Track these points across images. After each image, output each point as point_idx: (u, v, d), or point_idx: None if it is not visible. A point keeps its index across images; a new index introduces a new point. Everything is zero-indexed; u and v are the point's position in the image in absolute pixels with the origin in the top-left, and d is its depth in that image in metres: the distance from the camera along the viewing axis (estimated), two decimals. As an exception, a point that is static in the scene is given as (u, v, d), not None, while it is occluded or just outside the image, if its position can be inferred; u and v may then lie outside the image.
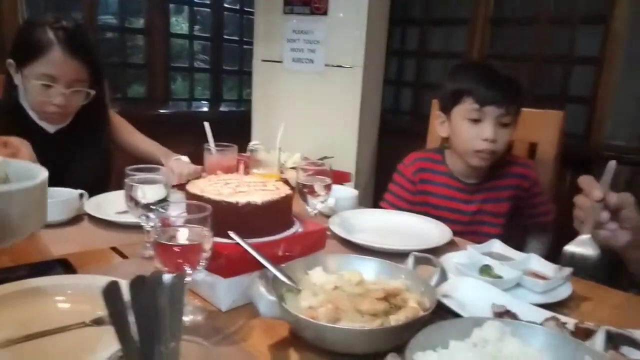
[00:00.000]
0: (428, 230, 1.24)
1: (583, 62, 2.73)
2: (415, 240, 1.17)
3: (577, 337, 0.72)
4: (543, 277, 0.97)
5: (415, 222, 1.30)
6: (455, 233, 1.21)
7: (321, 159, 1.87)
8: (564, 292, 0.93)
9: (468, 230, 1.33)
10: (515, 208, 1.39)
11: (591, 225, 0.89)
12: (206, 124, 1.25)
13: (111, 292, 0.43)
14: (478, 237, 1.24)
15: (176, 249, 0.75)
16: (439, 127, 1.42)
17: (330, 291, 0.78)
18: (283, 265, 0.83)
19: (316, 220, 1.14)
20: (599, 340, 0.65)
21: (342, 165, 1.92)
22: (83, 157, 1.47)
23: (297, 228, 0.96)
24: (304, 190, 1.19)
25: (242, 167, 1.03)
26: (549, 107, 1.59)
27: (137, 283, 0.44)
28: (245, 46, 3.54)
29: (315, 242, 0.96)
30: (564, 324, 0.76)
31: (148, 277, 0.44)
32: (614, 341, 0.67)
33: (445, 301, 0.84)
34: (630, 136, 2.66)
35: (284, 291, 0.80)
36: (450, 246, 1.15)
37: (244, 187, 0.93)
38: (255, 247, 0.83)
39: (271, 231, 0.91)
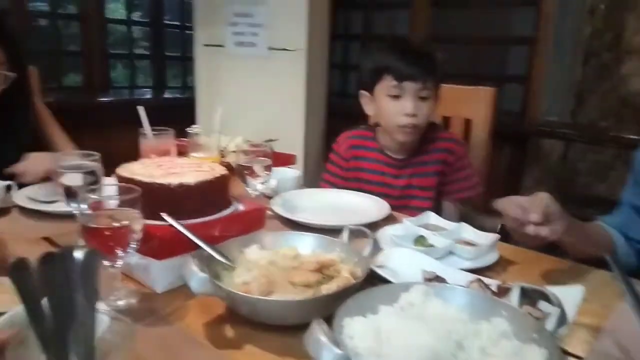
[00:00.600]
0: (367, 207, 1.27)
1: (519, 43, 2.85)
2: (355, 216, 1.19)
3: (499, 297, 0.76)
4: (473, 245, 1.02)
5: (355, 199, 1.33)
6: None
7: (265, 142, 1.87)
8: (491, 257, 0.98)
9: (399, 204, 1.36)
10: (442, 182, 1.44)
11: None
12: (140, 108, 1.22)
13: (19, 270, 0.42)
14: (409, 211, 1.28)
15: (105, 232, 0.74)
16: (365, 106, 1.45)
17: (265, 266, 0.79)
18: (219, 245, 0.83)
19: (257, 201, 1.14)
20: (514, 296, 0.69)
21: (289, 149, 1.92)
22: (6, 147, 1.41)
23: (234, 208, 0.96)
24: (243, 172, 1.19)
25: (174, 149, 1.01)
26: (489, 86, 1.64)
27: (46, 259, 0.43)
28: (187, 31, 3.45)
29: (253, 221, 0.97)
30: (487, 285, 0.81)
31: (57, 253, 0.43)
32: (529, 297, 0.72)
33: (380, 271, 0.87)
34: (563, 112, 2.81)
35: (219, 270, 0.80)
36: (388, 221, 1.19)
37: (177, 168, 0.92)
38: (190, 227, 0.82)
39: (207, 212, 0.91)
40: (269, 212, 1.23)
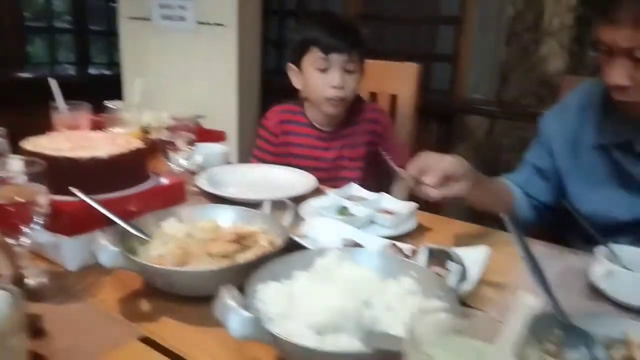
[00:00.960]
0: (294, 180, 1.28)
1: (446, 22, 2.93)
2: (282, 190, 1.19)
3: (412, 259, 0.80)
4: (393, 214, 1.06)
5: (283, 173, 1.34)
6: (318, 180, 1.26)
7: (193, 117, 1.83)
8: (410, 225, 1.03)
9: (330, 176, 1.39)
10: (372, 152, 1.48)
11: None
12: (52, 81, 1.16)
13: None
14: (339, 182, 1.30)
15: (7, 207, 0.70)
16: (293, 79, 1.46)
17: (181, 238, 0.78)
18: (135, 219, 0.81)
19: (182, 177, 1.12)
20: (421, 257, 0.73)
21: (222, 126, 1.88)
22: None
23: (153, 183, 0.94)
24: (165, 147, 1.16)
25: (87, 123, 0.97)
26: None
27: None
28: (112, 4, 3.27)
29: (173, 196, 0.95)
30: (401, 249, 0.84)
31: None
32: (436, 257, 0.76)
33: (301, 241, 0.88)
34: (488, 90, 2.94)
35: (136, 245, 0.78)
36: (315, 194, 1.20)
37: (89, 142, 0.88)
38: (103, 203, 0.80)
39: (122, 186, 0.88)
40: (193, 189, 1.22)
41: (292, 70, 1.45)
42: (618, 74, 0.89)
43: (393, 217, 1.03)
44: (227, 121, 2.55)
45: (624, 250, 0.84)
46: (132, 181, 0.90)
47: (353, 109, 1.47)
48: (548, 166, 1.15)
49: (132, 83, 2.68)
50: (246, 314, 0.54)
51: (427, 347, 0.35)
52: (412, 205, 1.07)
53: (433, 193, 0.91)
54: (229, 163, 1.45)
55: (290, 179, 1.30)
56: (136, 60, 2.70)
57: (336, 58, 1.34)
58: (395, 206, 1.09)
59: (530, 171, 1.18)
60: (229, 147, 1.61)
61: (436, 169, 0.90)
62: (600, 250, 0.82)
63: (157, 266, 0.69)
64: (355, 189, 1.19)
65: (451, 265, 0.76)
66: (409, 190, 0.95)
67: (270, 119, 1.54)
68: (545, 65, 2.88)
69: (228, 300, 0.55)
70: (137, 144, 0.92)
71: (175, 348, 0.63)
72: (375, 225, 1.04)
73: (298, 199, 1.10)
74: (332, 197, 1.12)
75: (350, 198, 1.14)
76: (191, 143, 1.18)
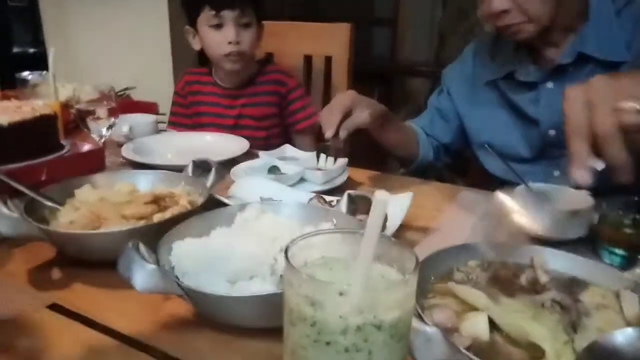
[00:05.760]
0: (226, 145, 1.25)
1: (384, -14, 2.92)
2: (214, 154, 1.16)
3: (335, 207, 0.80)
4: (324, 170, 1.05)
5: (215, 139, 1.31)
6: None
7: (122, 90, 1.75)
8: (340, 179, 1.03)
9: (234, 134, 1.37)
10: (276, 114, 1.50)
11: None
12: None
13: None
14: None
15: None
16: (191, 42, 1.46)
17: (93, 203, 0.74)
18: (45, 188, 0.76)
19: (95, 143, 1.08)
20: (342, 203, 0.73)
21: (156, 97, 1.82)
22: None
23: (67, 151, 0.89)
24: (84, 117, 1.10)
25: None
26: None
27: None
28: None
29: (89, 164, 0.91)
30: (328, 201, 0.84)
31: None
32: (360, 204, 0.76)
33: (229, 201, 0.86)
34: (427, 52, 2.97)
35: (47, 214, 0.74)
36: (248, 157, 1.18)
37: (-12, 110, 0.82)
38: (8, 172, 0.75)
39: (31, 155, 0.83)
40: (120, 159, 1.17)
41: (189, 33, 1.45)
42: (498, 0, 0.93)
43: (323, 173, 1.02)
44: (162, 91, 2.45)
45: (542, 187, 0.87)
46: (42, 150, 0.85)
47: (259, 70, 1.49)
48: (448, 108, 1.22)
49: (58, 55, 2.54)
50: (150, 266, 0.52)
51: (305, 269, 0.34)
52: (343, 161, 1.07)
53: (343, 134, 0.94)
54: (159, 133, 1.40)
55: (223, 144, 1.27)
56: (60, 33, 2.54)
57: (228, 14, 1.34)
58: (327, 163, 1.09)
59: (432, 113, 1.25)
60: (164, 118, 1.57)
61: (336, 107, 0.95)
62: (519, 188, 0.84)
63: (64, 231, 0.65)
64: (288, 150, 1.18)
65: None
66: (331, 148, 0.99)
67: (178, 83, 1.57)
68: (481, 28, 2.94)
69: (131, 254, 0.53)
70: (43, 110, 0.86)
71: (87, 312, 0.60)
72: (307, 183, 1.03)
73: (232, 163, 1.08)
74: (263, 158, 1.11)
75: (284, 159, 1.13)
76: (112, 112, 1.12)
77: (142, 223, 0.70)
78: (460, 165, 1.53)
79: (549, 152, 1.06)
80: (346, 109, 0.95)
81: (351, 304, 0.28)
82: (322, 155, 1.11)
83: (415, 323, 0.40)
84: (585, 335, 0.48)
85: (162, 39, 2.40)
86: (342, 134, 0.94)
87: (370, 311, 0.29)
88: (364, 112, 0.96)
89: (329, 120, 0.94)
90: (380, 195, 0.31)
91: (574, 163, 0.54)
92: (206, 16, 1.36)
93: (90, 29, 2.50)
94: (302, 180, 1.03)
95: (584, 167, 0.53)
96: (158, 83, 2.29)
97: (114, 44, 2.46)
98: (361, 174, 1.10)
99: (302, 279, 0.30)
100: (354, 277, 0.30)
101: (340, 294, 0.29)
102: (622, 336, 0.44)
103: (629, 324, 0.50)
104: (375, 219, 0.31)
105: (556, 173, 1.05)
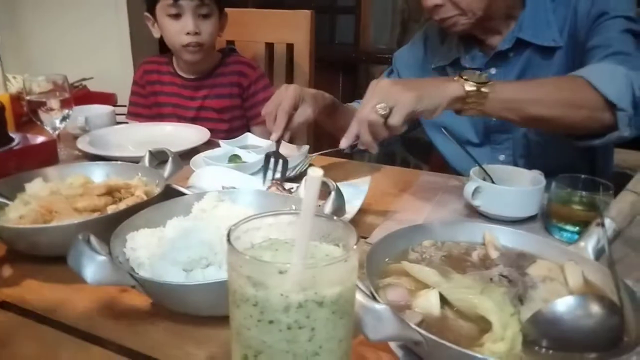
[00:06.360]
0: (187, 135, 1.23)
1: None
2: (174, 145, 1.14)
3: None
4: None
5: (175, 129, 1.29)
6: None
7: (78, 80, 1.70)
8: (301, 166, 1.03)
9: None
10: (238, 106, 1.47)
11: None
12: None
13: None
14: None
15: None
16: (151, 29, 1.41)
17: (45, 197, 0.72)
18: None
19: (55, 138, 1.04)
20: (301, 189, 0.73)
21: (115, 87, 1.77)
22: None
23: (16, 144, 0.86)
24: (36, 109, 1.06)
25: None
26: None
27: None
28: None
29: (41, 157, 0.88)
30: (287, 188, 0.84)
31: None
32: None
33: (189, 191, 0.85)
34: (390, 40, 2.99)
35: (-5, 210, 0.72)
36: (209, 146, 1.16)
37: None
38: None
39: (-24, 150, 0.80)
40: (76, 152, 1.14)
41: (149, 20, 1.40)
42: None
43: (283, 161, 1.02)
44: (122, 82, 2.39)
45: (497, 169, 0.89)
46: (-12, 143, 0.82)
47: (222, 60, 1.45)
48: None
49: (10, 49, 2.44)
50: (101, 258, 0.51)
51: (250, 251, 0.34)
52: (304, 147, 1.07)
53: (287, 137, 0.99)
54: (118, 124, 1.37)
55: (184, 134, 1.25)
56: (14, 22, 2.44)
57: (187, 3, 1.30)
58: (290, 151, 1.08)
59: None
60: (124, 110, 1.53)
61: (281, 108, 0.96)
62: (474, 170, 0.86)
63: (12, 226, 0.63)
64: (250, 138, 1.17)
65: (331, 195, 0.77)
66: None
67: (137, 72, 1.52)
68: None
69: (81, 247, 0.52)
70: (-11, 103, 0.83)
71: (40, 309, 0.59)
72: (270, 171, 1.03)
73: (193, 153, 1.07)
74: (224, 147, 1.10)
75: (245, 147, 1.12)
76: (66, 104, 1.09)
77: (95, 215, 0.69)
78: (423, 152, 1.55)
79: (493, 137, 1.10)
80: (290, 108, 0.96)
81: (291, 281, 0.29)
82: (286, 143, 1.10)
83: (365, 301, 0.41)
84: (530, 306, 0.50)
85: (120, 27, 2.34)
86: (287, 136, 0.97)
87: (311, 288, 0.29)
88: (308, 109, 0.98)
89: (274, 124, 0.97)
90: (313, 172, 0.31)
91: (345, 136, 0.83)
92: (164, 5, 1.30)
93: (43, 18, 2.41)
94: (263, 168, 1.03)
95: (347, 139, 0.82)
96: (117, 73, 2.23)
97: (69, 33, 2.38)
98: (324, 160, 1.11)
99: (244, 260, 0.30)
100: (294, 255, 0.30)
101: (280, 272, 0.29)
102: (562, 305, 0.46)
103: (572, 294, 0.53)
104: (309, 195, 0.31)
105: (501, 157, 1.08)
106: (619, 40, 0.88)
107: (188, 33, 1.31)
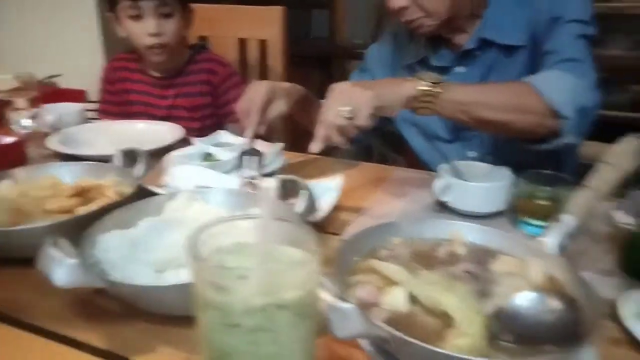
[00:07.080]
0: (159, 133, 1.22)
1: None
2: (147, 143, 1.13)
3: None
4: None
5: (147, 127, 1.28)
6: None
7: (47, 77, 1.67)
8: (276, 164, 1.03)
9: None
10: (210, 104, 1.45)
11: None
12: None
13: None
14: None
15: None
16: (116, 28, 1.38)
17: (13, 199, 0.71)
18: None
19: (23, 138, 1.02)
20: (274, 187, 0.74)
21: (85, 84, 1.74)
22: None
23: (-18, 145, 0.84)
24: (1, 108, 1.04)
25: None
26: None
27: None
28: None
29: (8, 158, 0.87)
30: (257, 185, 0.84)
31: None
32: (290, 188, 0.77)
33: (162, 190, 0.85)
34: (366, 35, 2.99)
35: (-39, 213, 0.70)
36: (183, 144, 1.16)
37: None
38: None
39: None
40: (46, 151, 1.12)
41: (112, 20, 1.36)
42: None
43: (259, 158, 1.02)
44: (93, 79, 2.34)
45: (466, 165, 0.91)
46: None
47: (191, 58, 1.42)
48: None
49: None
50: (70, 261, 0.51)
51: (215, 255, 0.35)
52: (279, 145, 1.07)
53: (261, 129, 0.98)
54: (89, 121, 1.34)
55: (156, 132, 1.24)
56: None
57: (147, 4, 1.26)
58: (264, 148, 1.08)
59: None
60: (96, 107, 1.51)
61: (254, 105, 0.97)
62: (444, 166, 0.88)
63: (-21, 230, 0.63)
64: (224, 136, 1.16)
65: (302, 194, 0.77)
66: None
67: (105, 70, 1.48)
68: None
69: (49, 250, 0.51)
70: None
71: (11, 312, 0.59)
72: (243, 168, 1.03)
73: (167, 152, 1.06)
74: (197, 145, 1.09)
75: (219, 145, 1.12)
76: (35, 103, 1.07)
77: (65, 217, 0.68)
78: (400, 145, 1.55)
79: (462, 134, 1.12)
80: (263, 104, 0.97)
81: (252, 286, 0.29)
82: (245, 158, 1.09)
83: (332, 300, 0.42)
84: (493, 302, 0.51)
85: (89, 22, 2.28)
86: (262, 130, 0.98)
87: (272, 292, 0.30)
88: (281, 104, 0.99)
89: (247, 121, 0.97)
90: (265, 183, 0.32)
91: (313, 140, 0.82)
92: (124, 6, 1.27)
93: (9, 13, 2.34)
94: (238, 165, 1.03)
95: (317, 144, 0.82)
96: (87, 69, 2.18)
97: (36, 29, 2.31)
98: (298, 158, 1.11)
99: (206, 266, 0.31)
100: (255, 260, 0.31)
101: (241, 277, 0.30)
102: (522, 299, 0.48)
103: (534, 289, 0.54)
104: (263, 205, 0.32)
105: (471, 154, 1.11)
106: (571, 46, 0.91)
107: (150, 34, 1.28)
